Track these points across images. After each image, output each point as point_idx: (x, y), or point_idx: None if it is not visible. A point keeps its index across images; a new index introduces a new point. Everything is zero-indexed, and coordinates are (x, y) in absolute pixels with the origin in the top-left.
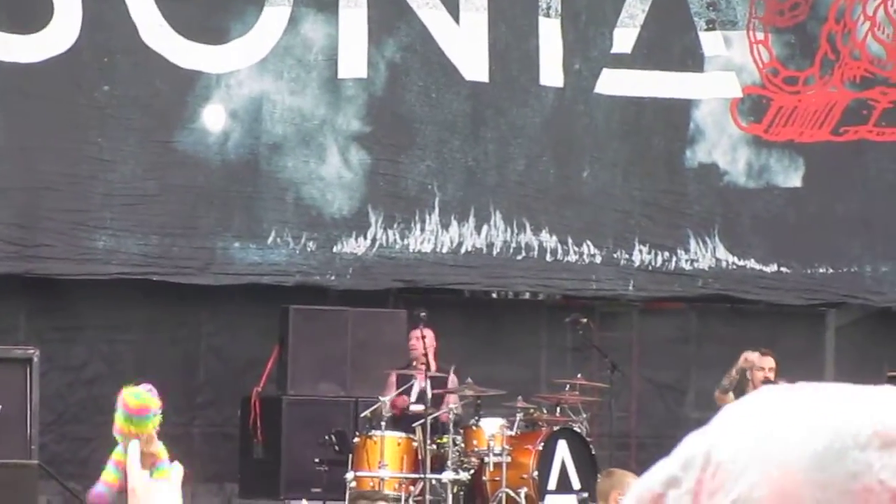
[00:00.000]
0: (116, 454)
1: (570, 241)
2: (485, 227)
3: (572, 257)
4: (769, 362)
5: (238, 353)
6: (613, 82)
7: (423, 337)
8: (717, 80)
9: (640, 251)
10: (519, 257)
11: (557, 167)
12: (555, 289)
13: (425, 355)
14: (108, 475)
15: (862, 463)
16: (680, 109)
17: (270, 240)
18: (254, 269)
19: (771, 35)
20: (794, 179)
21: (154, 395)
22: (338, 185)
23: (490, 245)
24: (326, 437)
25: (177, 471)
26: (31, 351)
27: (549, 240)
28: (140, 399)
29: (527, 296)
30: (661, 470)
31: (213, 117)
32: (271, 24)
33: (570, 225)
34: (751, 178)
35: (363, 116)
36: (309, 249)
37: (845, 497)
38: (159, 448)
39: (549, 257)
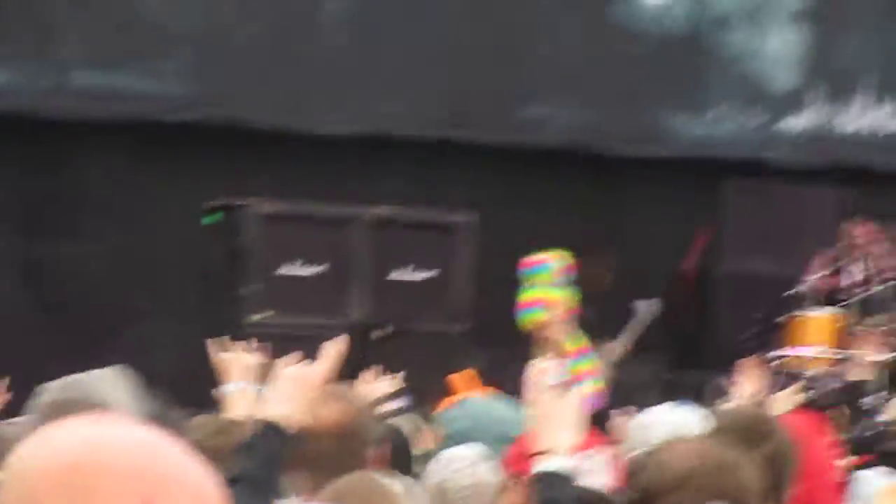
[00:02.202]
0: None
1: None
2: None
3: None
4: None
5: (670, 228)
6: None
7: (869, 234)
8: None
9: None
10: None
11: None
12: None
13: (864, 245)
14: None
15: None
16: None
17: (712, 114)
18: (695, 141)
19: None
20: None
21: None
22: (778, 62)
23: None
24: (757, 315)
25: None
26: (463, 217)
27: None
28: None
29: None
30: None
31: None
32: None
33: None
34: None
35: None
36: (751, 126)
37: None
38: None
39: None
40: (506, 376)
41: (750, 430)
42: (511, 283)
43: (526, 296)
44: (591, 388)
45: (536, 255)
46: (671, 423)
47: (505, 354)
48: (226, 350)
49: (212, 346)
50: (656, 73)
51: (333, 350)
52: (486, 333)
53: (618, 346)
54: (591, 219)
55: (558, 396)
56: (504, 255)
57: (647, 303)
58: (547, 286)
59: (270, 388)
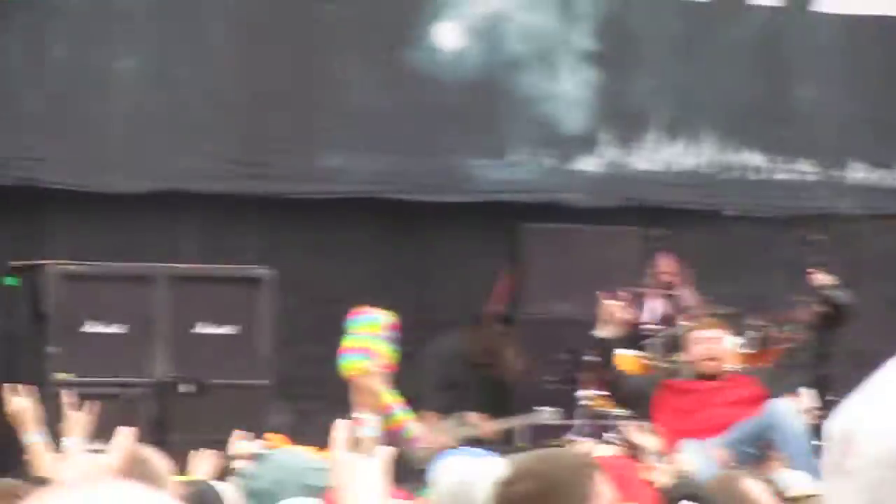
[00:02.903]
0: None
1: (779, 158)
2: (693, 147)
3: (783, 175)
4: None
5: (471, 272)
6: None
7: (662, 260)
8: None
9: (857, 168)
10: (727, 176)
11: (768, 85)
12: (764, 207)
13: (668, 280)
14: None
15: None
16: None
17: (508, 157)
18: (492, 186)
19: None
20: None
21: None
22: (571, 103)
23: (699, 164)
24: (564, 356)
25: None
26: (264, 270)
27: (759, 158)
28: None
29: (759, 214)
30: None
31: (447, 35)
32: None
33: (782, 142)
34: None
35: (594, 34)
36: (545, 167)
37: None
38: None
39: (755, 175)
40: (311, 429)
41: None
42: (315, 335)
43: (350, 342)
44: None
45: (364, 307)
46: (464, 471)
47: (309, 407)
48: (23, 397)
49: (8, 393)
50: (453, 119)
51: (123, 439)
52: (289, 386)
53: (492, 425)
54: (394, 266)
55: (363, 455)
56: (306, 307)
57: (550, 411)
58: (372, 337)
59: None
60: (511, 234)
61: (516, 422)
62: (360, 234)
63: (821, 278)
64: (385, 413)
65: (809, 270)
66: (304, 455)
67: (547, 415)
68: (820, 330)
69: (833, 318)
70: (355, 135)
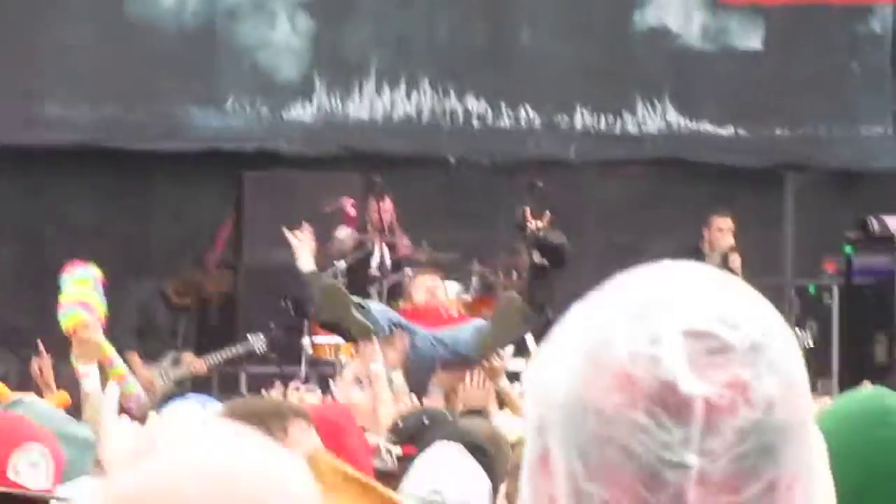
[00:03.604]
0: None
1: (503, 105)
2: (414, 94)
3: (506, 122)
4: (725, 223)
5: (195, 218)
6: None
7: (381, 205)
8: None
9: (583, 115)
10: (449, 123)
11: (492, 32)
12: (487, 154)
13: (381, 223)
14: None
15: None
16: None
17: (227, 106)
18: (211, 134)
19: None
20: (755, 41)
21: None
22: (287, 52)
23: (419, 112)
24: (283, 303)
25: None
26: None
27: (479, 105)
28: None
29: (484, 161)
30: None
31: None
32: None
33: (505, 89)
34: (707, 41)
35: None
36: (262, 115)
37: None
38: None
39: (478, 123)
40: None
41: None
42: (34, 285)
43: (65, 297)
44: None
45: (78, 261)
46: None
47: (31, 355)
48: None
49: None
50: (172, 68)
51: None
52: (9, 335)
53: (209, 361)
54: (116, 215)
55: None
56: (27, 257)
57: (256, 338)
58: (86, 291)
59: None
60: (233, 182)
61: (226, 354)
62: (81, 184)
63: (533, 222)
64: (108, 365)
65: (523, 215)
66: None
67: (259, 343)
68: (537, 275)
69: (549, 261)
70: (74, 84)
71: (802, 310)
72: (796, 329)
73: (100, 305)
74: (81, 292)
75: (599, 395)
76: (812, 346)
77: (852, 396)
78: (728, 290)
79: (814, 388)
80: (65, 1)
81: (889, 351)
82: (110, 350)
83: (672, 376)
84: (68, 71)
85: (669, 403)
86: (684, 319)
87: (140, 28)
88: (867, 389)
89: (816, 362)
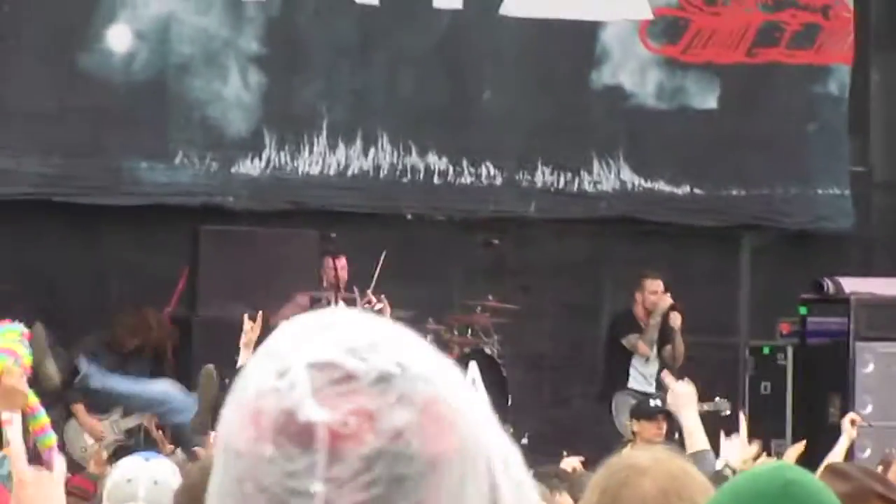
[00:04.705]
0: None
1: (464, 162)
2: (371, 150)
3: (467, 179)
4: (657, 285)
5: (149, 274)
6: (519, 4)
7: (337, 262)
8: (626, 2)
9: (543, 172)
10: (405, 179)
11: (453, 89)
12: (445, 211)
13: (337, 281)
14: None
15: None
16: (586, 32)
17: (177, 160)
18: (159, 189)
19: None
20: (710, 101)
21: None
22: (237, 106)
23: (377, 168)
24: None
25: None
26: None
27: (439, 162)
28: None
29: (440, 217)
30: None
31: (118, 37)
32: None
33: (466, 146)
34: (662, 100)
35: (261, 38)
36: (212, 170)
37: None
38: None
39: (437, 179)
40: None
41: None
42: None
43: None
44: (48, 442)
45: (4, 321)
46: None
47: None
48: None
49: None
50: (121, 121)
51: None
52: None
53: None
54: (66, 269)
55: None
56: None
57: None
58: (14, 341)
59: None
60: (187, 237)
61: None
62: (30, 236)
63: None
64: (30, 415)
65: None
66: None
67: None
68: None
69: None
70: (23, 137)
71: (756, 370)
72: (717, 398)
73: (26, 356)
74: (8, 341)
75: (235, 434)
76: (728, 414)
77: (754, 469)
78: (367, 327)
79: (767, 449)
80: (16, 53)
81: (842, 412)
82: (34, 400)
83: (294, 405)
84: (17, 122)
85: (293, 432)
86: (311, 352)
87: (91, 81)
88: (770, 463)
89: (770, 422)
